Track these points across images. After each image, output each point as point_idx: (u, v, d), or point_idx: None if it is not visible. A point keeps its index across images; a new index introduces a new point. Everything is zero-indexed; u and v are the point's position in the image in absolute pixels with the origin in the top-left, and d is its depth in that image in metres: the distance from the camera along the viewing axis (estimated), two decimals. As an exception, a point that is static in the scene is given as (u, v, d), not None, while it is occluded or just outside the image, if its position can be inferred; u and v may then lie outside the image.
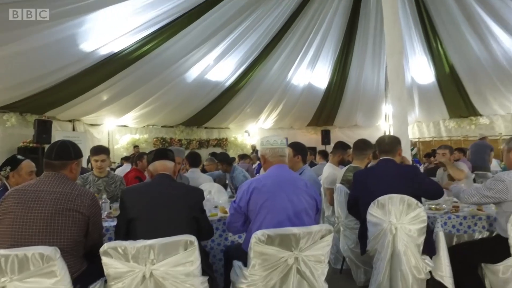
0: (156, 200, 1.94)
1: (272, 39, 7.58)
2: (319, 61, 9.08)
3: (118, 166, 7.42)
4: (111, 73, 6.68)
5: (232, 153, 10.94)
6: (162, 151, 2.24)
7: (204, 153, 10.16)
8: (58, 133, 7.72)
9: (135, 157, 4.35)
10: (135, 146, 9.43)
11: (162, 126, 10.45)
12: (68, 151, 1.86)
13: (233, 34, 6.89)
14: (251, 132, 11.83)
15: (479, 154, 6.56)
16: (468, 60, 8.33)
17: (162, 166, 2.08)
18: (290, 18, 7.10)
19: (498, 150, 8.24)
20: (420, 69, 9.37)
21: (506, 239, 2.07)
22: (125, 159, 7.29)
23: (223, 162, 4.50)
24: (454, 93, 9.68)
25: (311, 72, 9.46)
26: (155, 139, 10.22)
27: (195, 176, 3.78)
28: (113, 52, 6.09)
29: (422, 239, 2.19)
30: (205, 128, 11.17)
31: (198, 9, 5.79)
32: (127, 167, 5.72)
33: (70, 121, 8.47)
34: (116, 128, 9.69)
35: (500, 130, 9.91)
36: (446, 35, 7.91)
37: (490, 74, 8.41)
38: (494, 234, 2.39)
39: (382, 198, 2.24)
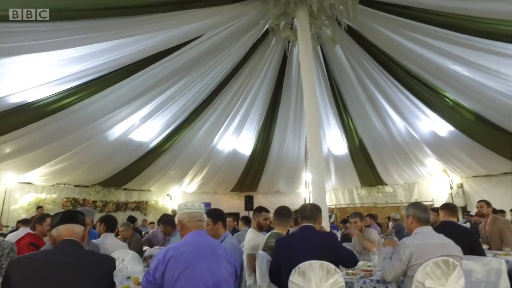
0: (56, 272, 1.63)
1: (200, 104, 7.78)
2: (245, 128, 9.49)
3: (12, 231, 6.16)
4: (20, 123, 6.01)
5: (151, 218, 10.26)
6: (71, 213, 1.95)
7: (121, 216, 9.41)
8: None
9: (35, 219, 3.81)
10: (39, 207, 8.11)
11: (75, 186, 9.31)
12: None
13: (162, 96, 6.91)
14: (174, 195, 11.36)
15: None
16: (373, 136, 9.50)
17: (68, 230, 1.78)
18: (219, 86, 7.46)
19: (401, 216, 9.23)
20: (335, 141, 10.36)
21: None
22: (23, 222, 5.90)
23: (167, 224, 4.14)
24: (363, 164, 10.77)
25: (237, 139, 9.80)
26: (65, 200, 9.01)
27: (107, 241, 3.43)
28: (26, 102, 5.57)
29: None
30: (125, 189, 10.30)
31: (128, 68, 5.71)
32: (23, 231, 4.90)
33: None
34: (17, 185, 8.41)
35: (401, 198, 11.11)
36: (355, 113, 9.01)
37: (390, 149, 9.66)
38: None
39: (303, 265, 2.28)
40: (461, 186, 9.74)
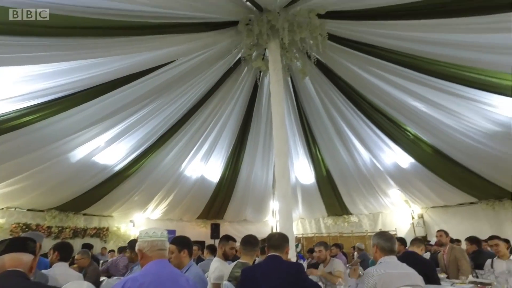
0: None
1: (170, 128, 7.66)
2: (213, 155, 9.42)
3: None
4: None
5: (112, 245, 9.73)
6: (19, 241, 1.77)
7: (79, 243, 8.82)
8: None
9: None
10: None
11: (28, 210, 8.56)
12: None
13: (131, 119, 6.74)
14: (137, 222, 10.88)
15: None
16: (339, 166, 9.74)
17: (14, 260, 1.60)
18: (189, 111, 7.41)
19: (366, 245, 9.40)
20: (303, 171, 10.50)
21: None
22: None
23: (133, 250, 3.87)
24: (330, 194, 10.94)
25: (205, 165, 9.68)
26: (14, 225, 8.19)
27: (59, 271, 3.18)
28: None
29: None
30: (84, 215, 9.66)
31: (97, 88, 5.54)
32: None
33: None
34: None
35: (366, 228, 11.31)
36: (322, 144, 9.24)
37: (355, 179, 9.93)
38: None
39: (268, 296, 2.22)
40: (421, 216, 10.11)
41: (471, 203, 8.91)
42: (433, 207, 9.81)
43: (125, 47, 4.69)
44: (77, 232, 9.43)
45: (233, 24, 5.41)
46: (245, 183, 10.71)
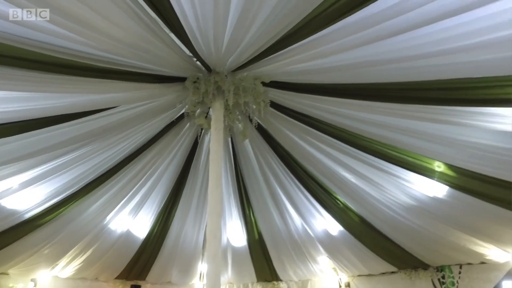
0: None
1: (99, 176, 7.14)
2: (143, 209, 8.87)
3: None
4: None
5: (3, 309, 8.20)
6: None
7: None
8: None
9: None
10: None
11: None
12: None
13: (56, 162, 6.14)
14: (41, 281, 9.34)
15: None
16: (272, 230, 9.74)
17: None
18: (123, 161, 7.04)
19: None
20: (235, 232, 10.27)
21: None
22: None
23: None
24: (261, 258, 10.71)
25: (133, 219, 9.02)
26: None
27: None
28: None
29: None
30: None
31: (21, 124, 5.05)
32: None
33: None
34: None
35: (294, 297, 11.09)
36: (257, 206, 9.26)
37: (287, 244, 9.94)
38: None
39: None
40: (348, 285, 10.25)
41: (392, 272, 9.34)
42: (359, 275, 10.06)
43: (63, 85, 4.48)
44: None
45: (181, 79, 5.52)
46: (174, 242, 10.10)
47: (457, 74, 4.19)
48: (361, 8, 3.63)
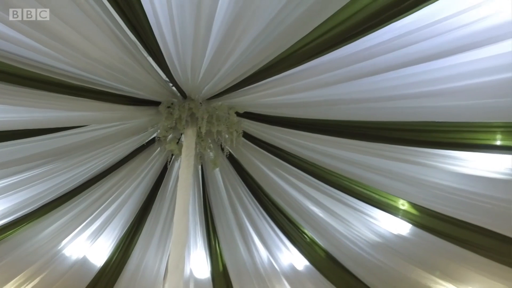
0: None
1: (58, 197, 6.77)
2: (104, 235, 8.39)
3: None
4: None
5: None
6: None
7: None
8: None
9: None
10: None
11: None
12: None
13: (12, 178, 5.78)
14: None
15: None
16: (237, 262, 9.47)
17: None
18: (87, 182, 6.75)
19: None
20: (199, 263, 9.90)
21: None
22: None
23: None
24: (224, 292, 10.35)
25: (91, 245, 8.49)
26: None
27: None
28: None
29: None
30: None
31: None
32: None
33: None
34: None
35: (256, 336, 10.65)
36: (223, 237, 9.05)
37: (251, 277, 9.65)
38: None
39: None
40: (311, 323, 10.03)
41: (355, 309, 9.26)
42: (322, 313, 9.89)
43: (34, 99, 4.34)
44: None
45: (155, 103, 5.50)
46: (133, 271, 9.54)
47: (422, 117, 4.47)
48: (336, 49, 3.86)
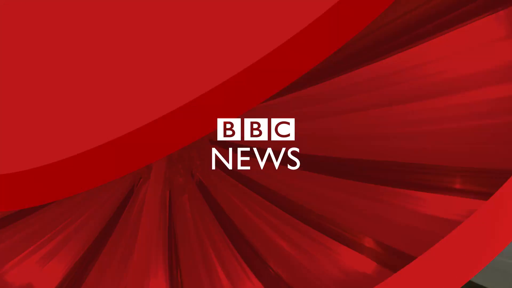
0: None
1: (5, 217, 6.29)
2: (56, 258, 7.84)
3: None
4: None
5: None
6: None
7: None
8: None
9: None
10: None
11: None
12: None
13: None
14: None
15: None
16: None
17: None
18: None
19: None
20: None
21: None
22: None
23: None
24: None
25: (40, 270, 7.87)
26: None
27: None
28: None
29: None
30: None
31: None
32: None
33: None
34: None
35: None
36: (186, 267, 8.67)
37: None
38: None
39: None
40: None
41: None
42: None
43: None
44: None
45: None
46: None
47: (390, 157, 4.61)
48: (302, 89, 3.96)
